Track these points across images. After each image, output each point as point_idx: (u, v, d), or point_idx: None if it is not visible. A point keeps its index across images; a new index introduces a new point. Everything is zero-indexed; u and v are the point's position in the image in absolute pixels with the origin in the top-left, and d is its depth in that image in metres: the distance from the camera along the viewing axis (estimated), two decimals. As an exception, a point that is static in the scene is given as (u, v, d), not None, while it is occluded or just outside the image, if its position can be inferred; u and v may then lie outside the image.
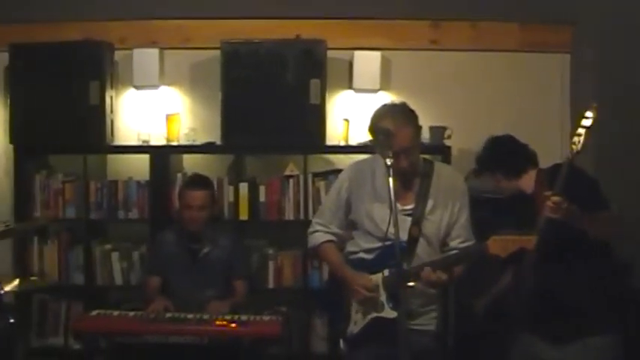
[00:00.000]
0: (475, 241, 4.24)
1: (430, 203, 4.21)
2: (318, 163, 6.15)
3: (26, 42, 6.12)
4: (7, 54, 6.14)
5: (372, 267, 4.21)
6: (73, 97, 6.00)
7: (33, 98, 6.06)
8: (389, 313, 4.09)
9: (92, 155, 6.22)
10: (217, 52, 5.93)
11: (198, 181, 5.61)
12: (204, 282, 5.42)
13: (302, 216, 5.98)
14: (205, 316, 4.99)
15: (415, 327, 4.11)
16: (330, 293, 4.64)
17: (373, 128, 4.16)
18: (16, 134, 6.15)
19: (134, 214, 6.17)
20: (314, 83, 5.82)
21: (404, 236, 4.05)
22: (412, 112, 4.18)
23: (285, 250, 6.11)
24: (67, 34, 6.18)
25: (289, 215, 6.03)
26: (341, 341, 4.39)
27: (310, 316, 6.05)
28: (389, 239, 4.02)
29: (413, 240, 4.14)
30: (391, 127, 4.03)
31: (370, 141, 4.30)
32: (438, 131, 5.93)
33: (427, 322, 4.28)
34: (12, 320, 5.01)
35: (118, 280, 6.21)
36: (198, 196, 5.42)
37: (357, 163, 4.50)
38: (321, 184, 6.00)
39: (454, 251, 4.23)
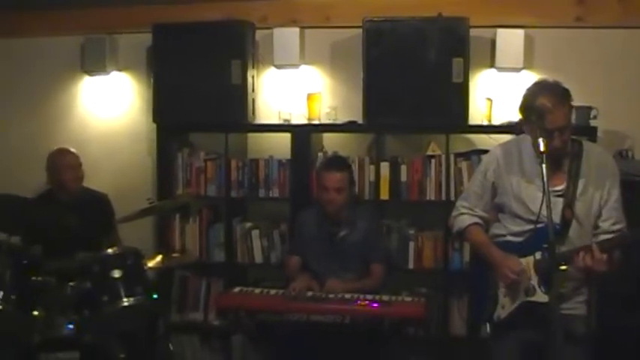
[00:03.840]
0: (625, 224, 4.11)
1: (582, 183, 4.11)
2: (460, 142, 6.08)
3: (169, 22, 6.24)
4: (150, 34, 6.28)
5: (520, 250, 4.15)
6: (215, 77, 6.08)
7: (175, 78, 6.17)
8: (540, 297, 4.02)
9: (233, 134, 6.30)
10: (358, 31, 5.92)
11: (335, 162, 5.60)
12: (342, 265, 5.42)
13: (443, 196, 5.93)
14: (347, 296, 5.01)
15: (565, 311, 4.02)
16: (473, 276, 4.60)
17: (526, 106, 4.07)
18: (158, 113, 6.29)
19: (275, 192, 6.22)
20: (456, 62, 5.74)
21: (556, 218, 3.95)
22: (566, 90, 4.08)
23: (425, 230, 6.05)
24: (209, 14, 6.29)
25: (430, 195, 5.98)
26: (487, 325, 4.31)
27: (449, 298, 5.99)
28: (540, 221, 3.94)
29: (566, 222, 4.04)
30: (547, 104, 3.94)
31: (520, 120, 4.20)
32: (583, 111, 5.76)
33: (576, 306, 4.18)
34: (155, 296, 5.12)
35: (258, 258, 6.28)
36: (335, 178, 5.39)
37: (504, 144, 4.42)
38: (463, 164, 5.92)
39: (612, 235, 4.08)
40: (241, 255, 6.30)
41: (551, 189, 3.95)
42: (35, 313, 4.87)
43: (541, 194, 3.84)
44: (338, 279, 5.30)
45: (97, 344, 4.93)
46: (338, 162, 5.60)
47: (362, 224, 5.48)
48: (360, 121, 6.01)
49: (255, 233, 6.27)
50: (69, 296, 4.95)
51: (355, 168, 5.94)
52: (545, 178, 3.72)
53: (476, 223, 4.40)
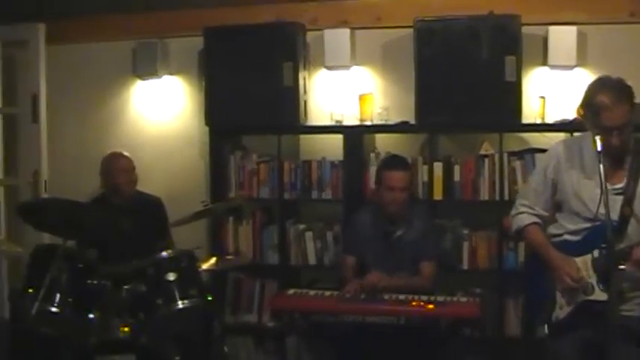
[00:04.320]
0: None
1: None
2: (513, 141, 6.02)
3: (220, 25, 6.27)
4: (201, 38, 6.31)
5: (578, 249, 4.12)
6: (266, 79, 6.09)
7: (227, 81, 6.20)
8: (599, 295, 3.98)
9: (286, 135, 6.30)
10: (409, 31, 5.90)
11: (399, 161, 5.60)
12: (398, 264, 5.41)
13: (497, 196, 5.88)
14: (401, 297, 5.00)
15: (624, 312, 3.98)
16: (529, 275, 4.57)
17: (586, 103, 4.03)
18: (211, 116, 6.32)
19: (327, 194, 6.22)
20: (509, 60, 5.70)
21: (614, 216, 3.91)
22: (628, 87, 4.03)
23: (479, 230, 6.00)
24: (260, 16, 6.29)
25: (484, 195, 5.93)
26: (545, 327, 4.28)
27: (504, 298, 5.93)
28: (598, 219, 3.90)
29: (624, 220, 3.99)
30: (606, 102, 3.90)
31: (581, 116, 4.16)
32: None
33: (633, 307, 4.12)
34: (210, 298, 5.15)
35: (312, 259, 6.29)
36: (400, 177, 5.40)
37: (565, 141, 4.40)
38: (517, 163, 5.87)
39: None
40: (295, 257, 6.32)
41: (611, 187, 3.92)
42: (91, 315, 4.93)
43: (600, 192, 3.81)
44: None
45: (152, 347, 4.95)
46: (402, 161, 5.60)
47: (418, 224, 5.48)
48: (412, 121, 5.99)
49: (309, 235, 6.28)
50: (124, 299, 5.00)
51: (408, 168, 5.92)
52: (602, 176, 3.69)
53: (535, 223, 4.36)
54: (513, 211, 4.46)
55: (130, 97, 6.93)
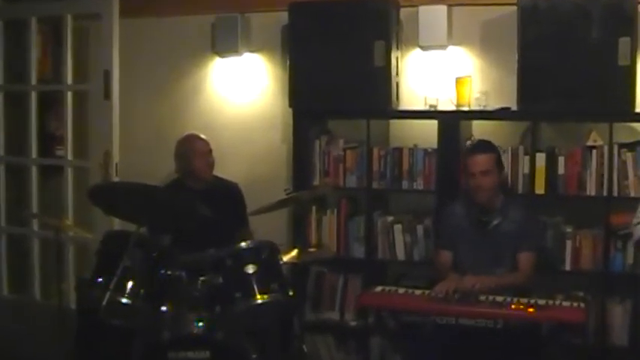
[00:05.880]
0: None
1: None
2: (624, 132, 5.89)
3: (306, 0, 6.24)
4: (286, 13, 6.31)
5: None
6: (356, 58, 6.07)
7: (313, 60, 6.19)
8: None
9: (375, 120, 6.27)
10: (512, 9, 5.82)
11: (478, 145, 5.61)
12: (495, 258, 5.39)
13: (605, 192, 5.77)
14: (499, 298, 4.94)
15: None
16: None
17: None
18: (295, 97, 6.32)
19: (419, 184, 6.17)
20: (623, 42, 5.57)
21: None
22: None
23: (584, 228, 5.90)
24: (350, -9, 6.25)
25: (590, 190, 5.82)
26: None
27: (609, 303, 5.83)
28: None
29: None
30: None
31: None
32: None
33: None
34: (290, 293, 5.14)
35: (400, 254, 6.26)
36: (480, 160, 5.38)
37: None
38: (628, 155, 5.75)
39: None
40: (382, 251, 6.29)
41: None
42: (164, 308, 4.96)
43: None
44: (489, 273, 5.28)
45: (228, 343, 4.95)
46: (482, 144, 5.59)
47: (515, 213, 5.45)
48: (513, 107, 5.91)
49: (398, 228, 6.24)
50: (200, 291, 5.01)
51: (508, 159, 5.87)
52: None
53: None
54: (635, 220, 4.37)
55: (208, 76, 6.97)
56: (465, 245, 5.49)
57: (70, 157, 6.83)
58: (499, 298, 4.94)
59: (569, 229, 5.92)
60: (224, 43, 6.73)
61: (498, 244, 5.40)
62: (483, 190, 5.37)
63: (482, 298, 4.96)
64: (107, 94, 6.54)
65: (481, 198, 5.40)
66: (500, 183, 5.48)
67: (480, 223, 5.46)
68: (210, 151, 6.08)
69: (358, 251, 6.35)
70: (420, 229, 6.21)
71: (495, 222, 5.43)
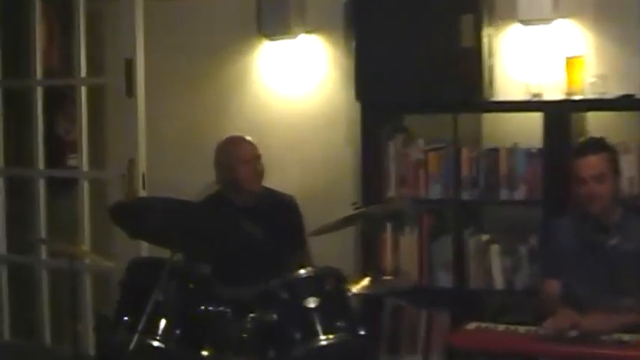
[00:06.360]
0: None
1: None
2: None
3: (376, -32, 6.26)
4: (350, -15, 6.32)
5: None
6: (437, 38, 6.06)
7: (385, 41, 6.20)
8: None
9: (464, 115, 6.24)
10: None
11: (588, 144, 5.49)
12: (614, 287, 5.27)
13: None
14: (625, 337, 4.85)
15: None
16: None
17: None
18: (362, 88, 6.32)
19: (521, 193, 6.12)
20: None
21: None
22: None
23: None
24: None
25: None
26: None
27: None
28: None
29: None
30: None
31: None
32: None
33: None
34: (362, 332, 5.09)
35: (499, 282, 6.22)
36: (591, 162, 5.28)
37: None
38: None
39: None
40: (475, 278, 6.26)
41: None
42: (205, 353, 4.96)
43: None
44: (608, 308, 5.15)
45: (286, 397, 4.96)
46: (593, 143, 5.49)
47: (638, 230, 5.35)
48: (638, 94, 5.86)
49: (495, 249, 6.21)
50: (249, 332, 4.98)
51: (633, 159, 5.82)
52: None
53: None
54: None
55: (254, 64, 7.00)
56: (576, 271, 5.39)
57: (85, 167, 6.87)
58: (626, 337, 4.85)
59: None
60: (273, 24, 6.75)
61: (619, 270, 5.29)
62: (597, 200, 5.28)
63: (605, 337, 4.87)
64: (130, 90, 6.57)
65: (594, 209, 5.31)
66: (618, 191, 5.39)
67: (594, 244, 5.37)
68: (259, 156, 6.09)
69: (445, 279, 6.32)
70: (523, 250, 6.16)
71: (613, 241, 5.32)
